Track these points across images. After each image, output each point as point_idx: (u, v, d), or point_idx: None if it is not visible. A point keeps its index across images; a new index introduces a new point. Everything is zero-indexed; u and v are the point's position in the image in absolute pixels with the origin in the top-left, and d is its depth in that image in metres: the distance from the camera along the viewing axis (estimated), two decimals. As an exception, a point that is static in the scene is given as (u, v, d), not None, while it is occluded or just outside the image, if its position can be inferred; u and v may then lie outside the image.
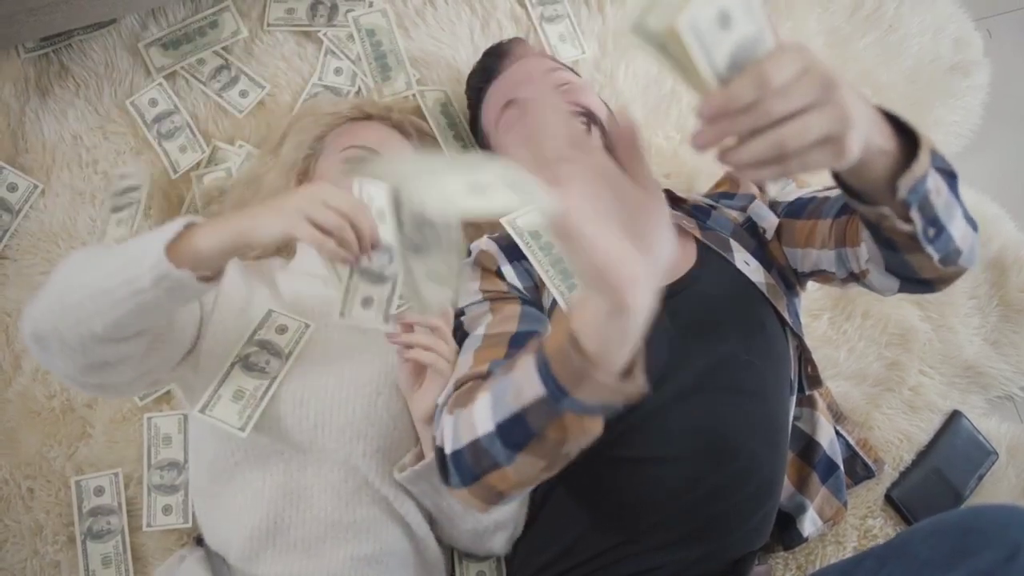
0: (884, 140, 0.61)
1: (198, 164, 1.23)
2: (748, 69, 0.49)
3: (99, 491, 1.09)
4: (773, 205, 1.04)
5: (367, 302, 0.88)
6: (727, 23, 0.47)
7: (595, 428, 0.63)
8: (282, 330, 0.93)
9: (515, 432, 0.63)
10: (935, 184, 0.66)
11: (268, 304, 0.95)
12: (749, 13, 0.48)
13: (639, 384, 0.58)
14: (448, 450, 0.72)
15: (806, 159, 0.52)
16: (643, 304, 0.51)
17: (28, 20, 1.13)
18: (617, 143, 0.53)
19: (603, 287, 0.51)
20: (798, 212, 0.99)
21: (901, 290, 0.84)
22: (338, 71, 1.30)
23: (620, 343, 0.54)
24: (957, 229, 0.72)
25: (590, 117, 1.05)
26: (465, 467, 0.70)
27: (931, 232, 0.69)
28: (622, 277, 0.50)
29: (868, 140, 0.57)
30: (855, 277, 0.89)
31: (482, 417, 0.67)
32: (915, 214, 0.66)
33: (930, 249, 0.70)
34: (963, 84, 1.38)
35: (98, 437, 1.13)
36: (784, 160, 0.51)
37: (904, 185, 0.63)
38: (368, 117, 1.15)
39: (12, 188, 1.20)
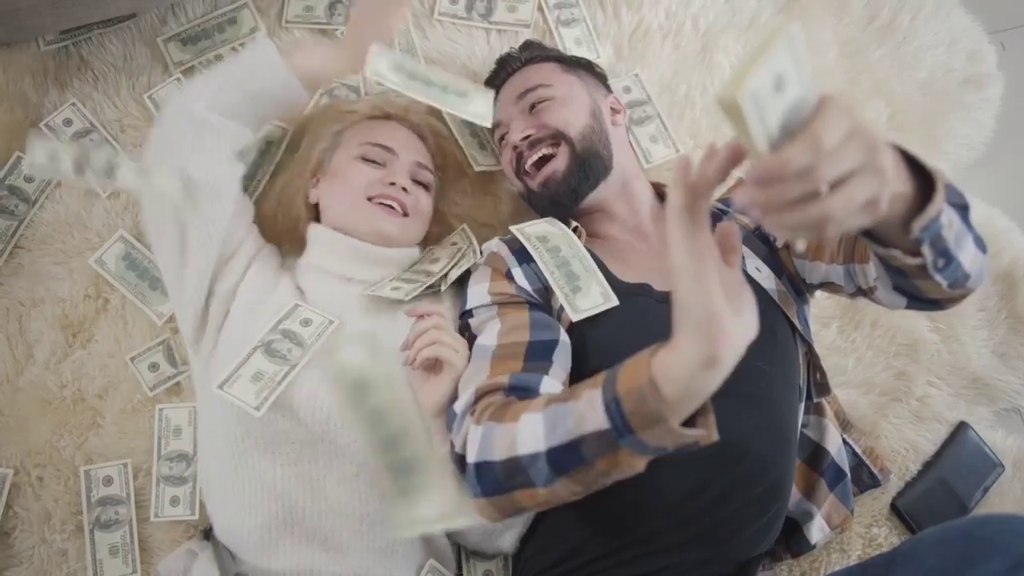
0: (903, 185, 0.62)
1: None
2: (801, 134, 0.49)
3: (108, 481, 1.10)
4: None
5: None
6: (782, 86, 0.48)
7: (641, 466, 0.66)
8: (307, 323, 0.95)
9: (565, 458, 0.66)
10: (948, 219, 0.67)
11: (290, 296, 0.97)
12: (799, 73, 0.48)
13: (706, 436, 0.62)
14: (473, 459, 0.74)
15: (845, 225, 0.53)
16: (730, 364, 0.57)
17: (51, 12, 1.14)
18: (722, 241, 0.59)
19: (707, 334, 0.55)
20: None
21: (909, 307, 0.85)
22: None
23: (699, 395, 0.58)
24: (967, 256, 0.72)
25: (559, 138, 1.06)
26: (492, 480, 0.72)
27: (941, 263, 0.70)
28: (726, 331, 0.55)
29: (892, 189, 0.57)
30: (863, 292, 0.90)
31: (530, 437, 0.69)
32: (926, 249, 0.67)
33: (939, 278, 0.71)
34: (976, 97, 1.38)
35: (108, 427, 1.13)
36: (825, 226, 0.52)
37: (919, 226, 0.64)
38: (387, 116, 1.16)
39: (29, 179, 1.21)
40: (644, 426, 0.61)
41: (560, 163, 1.05)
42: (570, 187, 1.05)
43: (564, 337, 0.92)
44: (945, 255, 0.69)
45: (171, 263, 1.01)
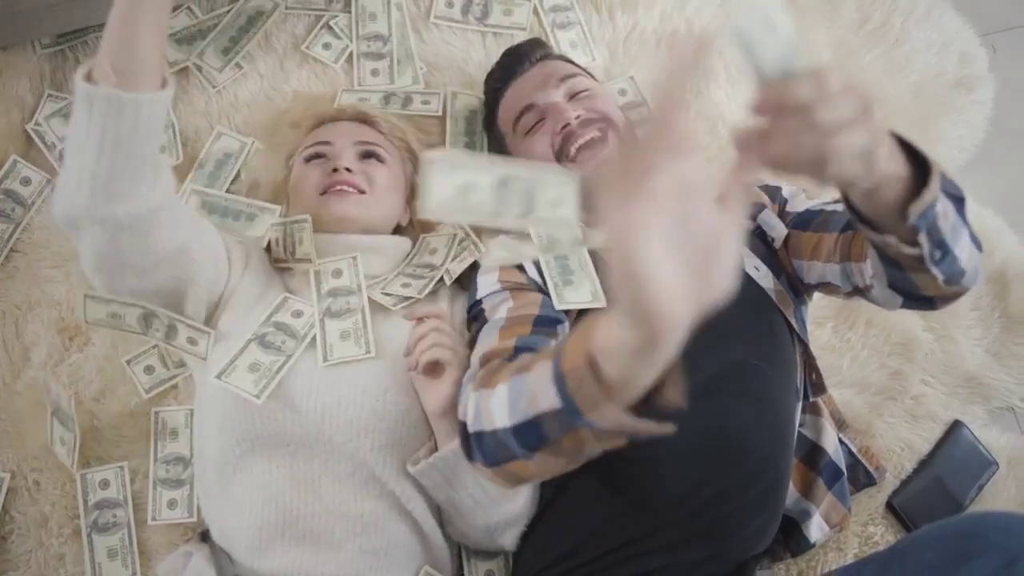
0: (898, 167, 0.63)
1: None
2: (807, 74, 0.52)
3: (104, 484, 1.10)
4: (783, 215, 1.05)
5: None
6: (773, 27, 0.51)
7: (617, 442, 0.59)
8: (297, 315, 0.96)
9: (530, 436, 0.63)
10: (943, 208, 0.67)
11: (281, 295, 0.98)
12: (785, 24, 0.51)
13: (662, 421, 0.55)
14: (470, 429, 0.73)
15: (842, 169, 0.54)
16: (676, 344, 0.46)
17: (47, 16, 1.15)
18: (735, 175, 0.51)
19: (643, 321, 0.45)
20: (806, 224, 1.00)
21: (904, 306, 0.85)
22: (327, 46, 1.32)
23: (642, 376, 0.50)
24: (963, 251, 0.73)
25: (607, 123, 1.06)
26: (488, 451, 0.71)
27: (937, 255, 0.70)
28: (664, 316, 0.44)
29: (885, 165, 0.60)
30: (859, 291, 0.90)
31: (499, 412, 0.67)
32: (923, 238, 0.67)
33: (935, 271, 0.71)
34: (967, 99, 1.40)
35: (105, 430, 1.13)
36: (823, 166, 0.54)
37: (915, 211, 0.64)
38: (321, 123, 1.16)
39: (26, 182, 1.21)
40: (590, 408, 0.54)
41: (612, 148, 1.04)
42: None
43: (565, 327, 0.92)
44: (942, 247, 0.70)
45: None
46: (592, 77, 1.19)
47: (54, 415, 1.07)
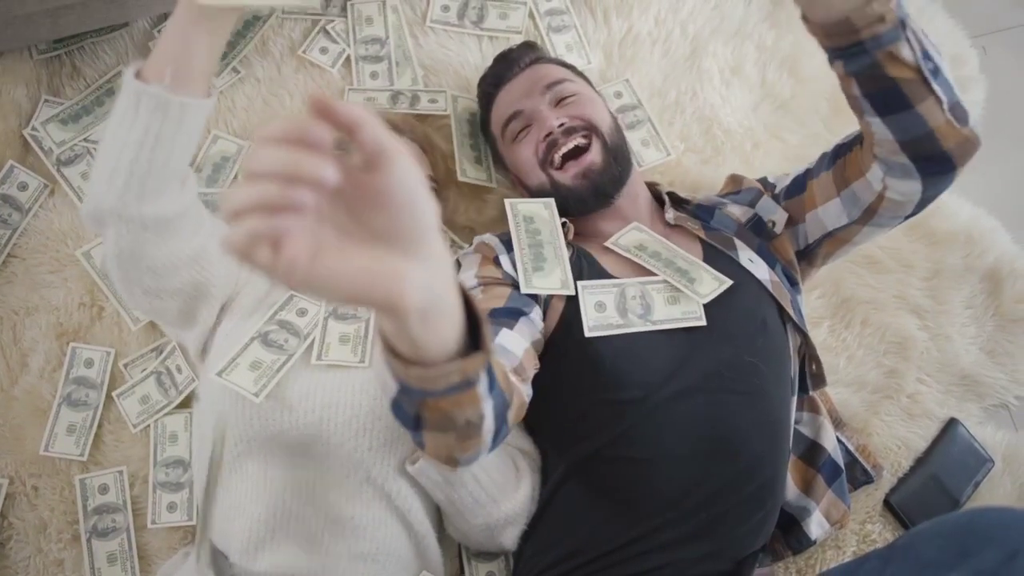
0: None
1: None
2: None
3: (103, 489, 1.10)
4: (776, 199, 1.09)
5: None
6: None
7: (468, 399, 0.59)
8: (302, 313, 0.96)
9: (401, 415, 0.63)
10: (916, 27, 0.80)
11: (287, 292, 0.98)
12: None
13: (485, 357, 0.56)
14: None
15: None
16: (421, 293, 0.46)
17: (45, 22, 1.15)
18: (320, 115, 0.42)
19: (370, 305, 0.46)
20: (798, 188, 1.06)
21: (924, 187, 0.91)
22: (323, 50, 1.32)
23: (426, 333, 0.51)
24: (950, 76, 0.83)
25: (591, 130, 1.05)
26: (412, 439, 0.70)
27: (930, 66, 0.79)
28: (380, 286, 0.44)
29: None
30: (871, 211, 0.95)
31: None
32: (910, 36, 0.79)
33: (936, 87, 0.79)
34: (959, 100, 1.41)
35: (103, 435, 1.13)
36: None
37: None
38: (395, 128, 1.15)
39: (23, 187, 1.21)
40: (413, 380, 0.55)
41: (596, 155, 1.04)
42: (612, 176, 1.04)
43: (537, 315, 0.93)
44: (928, 57, 0.79)
45: (171, 328, 1.01)
46: (584, 78, 1.19)
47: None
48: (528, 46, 1.23)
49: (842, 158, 0.99)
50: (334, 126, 0.41)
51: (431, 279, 0.47)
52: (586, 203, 1.05)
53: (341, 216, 0.45)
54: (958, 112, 0.85)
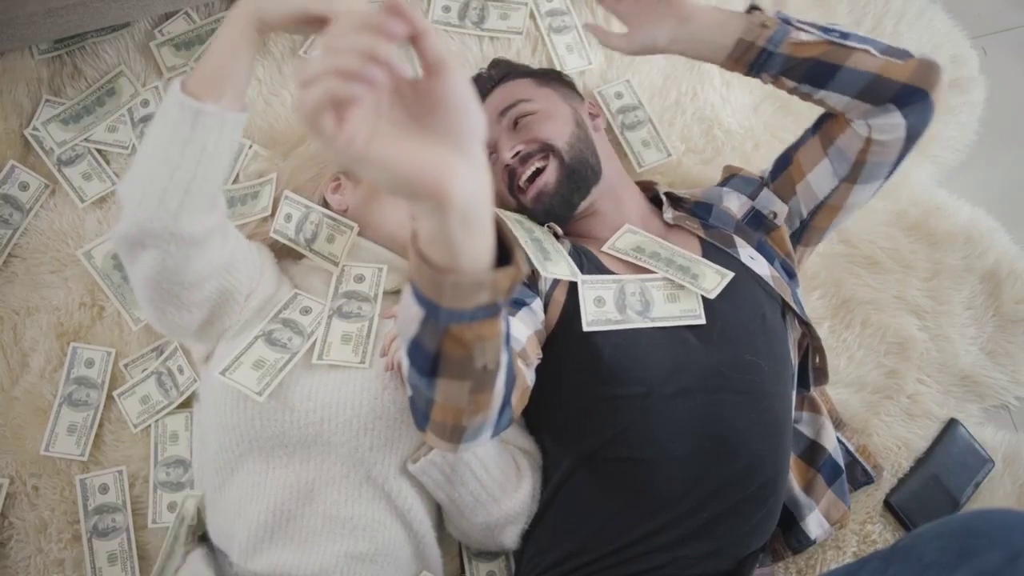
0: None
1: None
2: None
3: (104, 489, 1.10)
4: (767, 184, 1.11)
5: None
6: None
7: (491, 333, 0.61)
8: (306, 311, 0.96)
9: (419, 359, 0.63)
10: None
11: (292, 291, 0.98)
12: None
13: (517, 272, 0.57)
14: (409, 394, 0.75)
15: None
16: (466, 188, 0.50)
17: (46, 21, 1.14)
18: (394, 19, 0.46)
19: (416, 192, 0.49)
20: (784, 163, 1.09)
21: (906, 117, 0.94)
22: None
23: (464, 239, 0.53)
24: (868, 37, 0.94)
25: (547, 150, 1.06)
26: (417, 411, 0.73)
27: (835, 34, 0.93)
28: (429, 174, 0.48)
29: None
30: (859, 164, 0.99)
31: (401, 355, 0.68)
32: (797, 24, 0.94)
33: (851, 43, 0.93)
34: (959, 100, 1.41)
35: (104, 435, 1.13)
36: None
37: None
38: None
39: (24, 187, 1.21)
40: (441, 296, 0.56)
41: (550, 175, 1.05)
42: (563, 198, 1.05)
43: (537, 305, 0.95)
44: (829, 30, 0.94)
45: (186, 337, 1.00)
46: (558, 81, 1.18)
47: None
48: (493, 65, 1.23)
49: (825, 123, 1.03)
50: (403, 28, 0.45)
51: (476, 182, 0.51)
52: (551, 218, 1.08)
53: (398, 113, 0.50)
54: (893, 52, 0.93)
